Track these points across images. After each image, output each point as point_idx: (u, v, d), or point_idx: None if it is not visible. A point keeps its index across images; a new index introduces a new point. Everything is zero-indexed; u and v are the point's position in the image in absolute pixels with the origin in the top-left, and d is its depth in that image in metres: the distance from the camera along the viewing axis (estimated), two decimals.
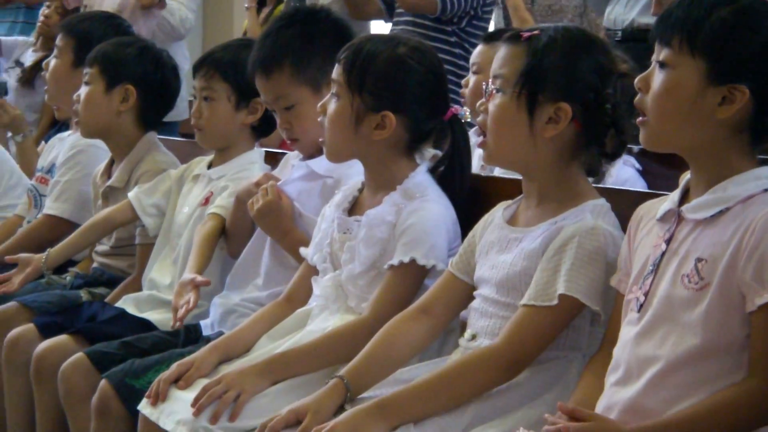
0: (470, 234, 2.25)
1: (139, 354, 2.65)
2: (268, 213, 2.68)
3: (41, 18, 5.66)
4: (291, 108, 2.69)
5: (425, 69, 2.41)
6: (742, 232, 1.76)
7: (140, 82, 3.33)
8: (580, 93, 2.07)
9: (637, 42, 4.40)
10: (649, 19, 4.47)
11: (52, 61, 3.72)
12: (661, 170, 3.22)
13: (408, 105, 2.39)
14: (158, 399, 2.32)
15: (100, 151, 3.51)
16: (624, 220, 2.05)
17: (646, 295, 1.86)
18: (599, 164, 2.16)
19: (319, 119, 2.44)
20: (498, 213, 2.22)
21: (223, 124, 3.01)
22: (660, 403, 1.79)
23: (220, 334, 2.57)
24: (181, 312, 2.62)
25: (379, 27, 5.02)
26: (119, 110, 3.33)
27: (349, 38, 2.52)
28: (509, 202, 2.23)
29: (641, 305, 1.86)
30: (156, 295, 2.99)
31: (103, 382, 2.57)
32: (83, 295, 3.18)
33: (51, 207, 3.57)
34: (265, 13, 6.09)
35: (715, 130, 1.82)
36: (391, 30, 4.52)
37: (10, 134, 4.46)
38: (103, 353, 2.70)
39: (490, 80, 2.13)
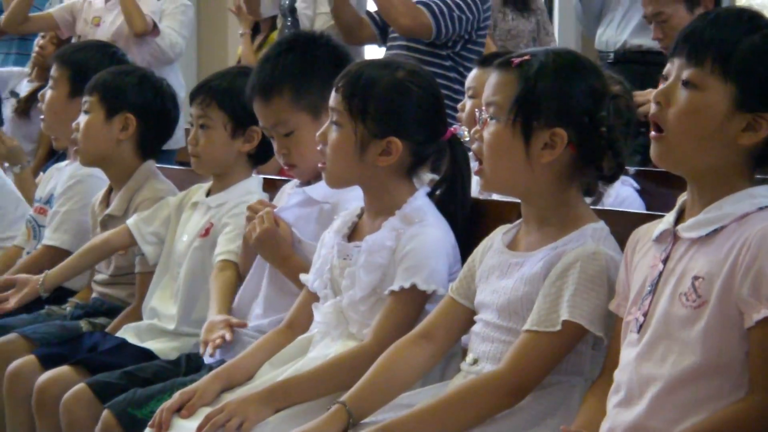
0: (470, 258, 2.26)
1: (141, 383, 2.66)
2: (266, 240, 2.68)
3: (36, 48, 5.69)
4: (290, 134, 2.69)
5: (425, 92, 2.42)
6: (738, 248, 1.77)
7: (140, 111, 3.34)
8: (575, 117, 2.07)
9: (630, 63, 4.44)
10: (641, 40, 4.50)
11: (48, 92, 3.72)
12: (659, 190, 3.24)
13: (411, 129, 2.40)
14: (161, 428, 2.32)
15: (99, 180, 3.52)
16: (622, 242, 2.05)
17: (645, 315, 1.87)
18: (597, 186, 2.16)
19: (318, 147, 2.44)
20: (497, 237, 2.22)
21: (219, 152, 3.02)
22: (663, 423, 1.79)
23: (222, 362, 2.57)
24: (216, 342, 2.61)
25: (373, 52, 5.03)
26: (119, 139, 3.34)
27: (348, 64, 2.51)
28: (508, 225, 2.23)
29: (641, 326, 1.87)
30: (156, 325, 2.99)
31: (105, 413, 2.57)
32: (83, 325, 3.18)
33: (50, 238, 3.56)
34: (259, 40, 6.13)
35: (731, 154, 1.82)
36: (385, 54, 4.52)
37: (7, 165, 4.46)
38: (104, 383, 2.70)
39: (483, 108, 2.13)
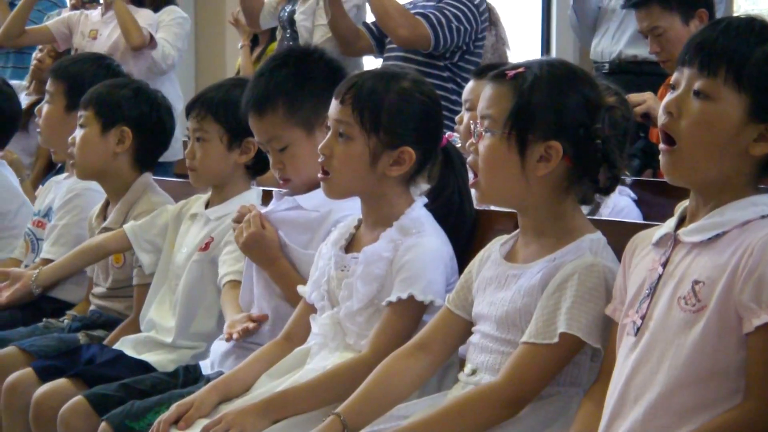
0: (467, 270, 2.26)
1: (138, 395, 2.65)
2: (254, 244, 2.68)
3: (34, 61, 5.69)
4: (284, 149, 2.68)
5: (429, 100, 2.44)
6: (740, 254, 1.77)
7: (136, 124, 3.34)
8: (570, 130, 2.07)
9: (625, 74, 4.44)
10: (636, 51, 4.51)
11: (45, 107, 3.73)
12: (656, 200, 3.24)
13: (421, 137, 2.41)
14: None
15: (97, 194, 3.51)
16: (619, 252, 2.05)
17: (642, 318, 1.87)
18: (593, 196, 2.16)
19: (319, 160, 2.43)
20: (495, 248, 2.22)
21: (215, 164, 3.01)
22: (659, 430, 1.79)
23: (220, 374, 2.57)
24: (240, 329, 2.61)
25: (370, 63, 5.04)
26: (115, 152, 3.34)
27: (342, 79, 2.50)
28: (506, 237, 2.23)
29: (638, 328, 1.87)
30: (154, 337, 2.99)
31: (103, 425, 2.56)
32: (81, 337, 3.18)
33: (48, 251, 3.55)
34: (258, 52, 6.14)
35: (741, 164, 1.82)
36: (382, 65, 4.53)
37: None
38: (102, 395, 2.69)
39: (478, 121, 2.13)
